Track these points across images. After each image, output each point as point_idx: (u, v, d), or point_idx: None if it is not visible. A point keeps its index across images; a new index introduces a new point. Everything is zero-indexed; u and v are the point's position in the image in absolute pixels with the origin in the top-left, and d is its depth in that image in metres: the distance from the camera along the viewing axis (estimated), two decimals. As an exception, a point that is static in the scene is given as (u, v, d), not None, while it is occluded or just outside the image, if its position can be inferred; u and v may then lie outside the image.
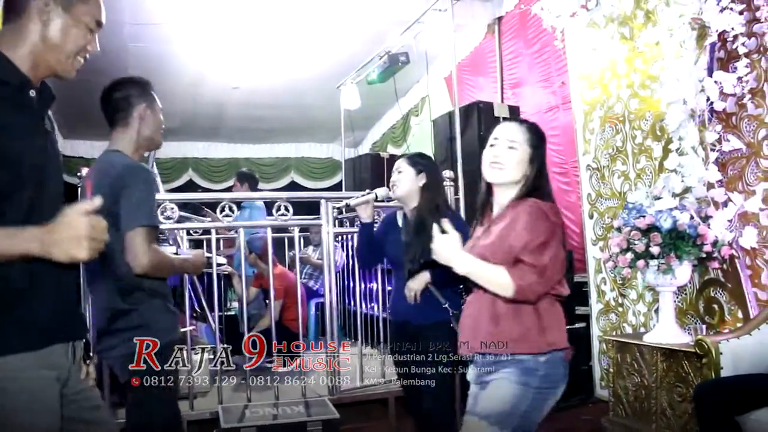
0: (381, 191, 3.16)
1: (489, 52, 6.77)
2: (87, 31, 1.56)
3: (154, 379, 2.24)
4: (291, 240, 6.12)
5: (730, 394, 2.66)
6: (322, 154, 10.55)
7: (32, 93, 1.50)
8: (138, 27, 5.89)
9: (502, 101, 6.55)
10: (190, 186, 9.87)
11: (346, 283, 6.14)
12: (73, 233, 1.30)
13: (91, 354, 1.72)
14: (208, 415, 3.73)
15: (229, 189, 7.66)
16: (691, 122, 3.38)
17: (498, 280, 1.90)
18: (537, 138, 2.09)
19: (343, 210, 3.91)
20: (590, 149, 4.26)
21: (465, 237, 2.72)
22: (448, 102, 7.17)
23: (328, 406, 3.72)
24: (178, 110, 8.26)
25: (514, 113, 4.64)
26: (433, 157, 4.02)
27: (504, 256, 1.93)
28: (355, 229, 5.11)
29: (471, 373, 2.13)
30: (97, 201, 1.36)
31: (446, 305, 2.80)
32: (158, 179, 4.92)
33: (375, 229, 3.28)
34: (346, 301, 6.22)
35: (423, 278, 2.82)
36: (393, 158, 6.99)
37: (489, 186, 2.14)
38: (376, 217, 3.43)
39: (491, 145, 2.09)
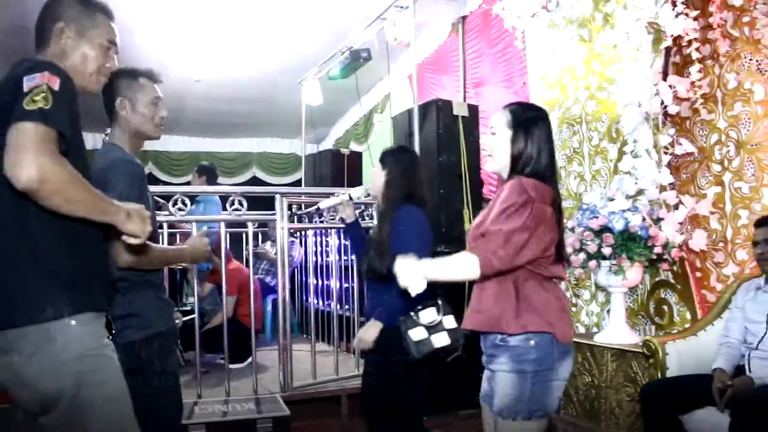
0: (356, 191, 3.09)
1: (452, 50, 6.76)
2: (103, 51, 1.80)
3: (153, 368, 2.23)
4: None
5: (674, 393, 2.70)
6: (284, 149, 10.45)
7: None
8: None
9: (465, 100, 6.56)
10: (150, 179, 9.68)
11: (303, 279, 6.10)
12: (144, 214, 1.63)
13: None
14: (157, 411, 3.62)
15: (189, 183, 7.53)
16: (645, 125, 3.43)
17: (464, 263, 1.91)
18: (519, 117, 2.08)
19: (318, 210, 3.89)
20: (548, 150, 4.27)
21: (405, 237, 2.68)
22: (411, 100, 7.17)
23: (279, 402, 3.69)
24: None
25: (473, 112, 4.63)
26: (414, 150, 3.92)
27: (486, 233, 1.96)
28: (313, 225, 5.10)
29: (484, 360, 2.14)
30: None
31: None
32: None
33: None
34: (304, 297, 6.18)
35: (374, 329, 2.71)
36: (353, 155, 6.99)
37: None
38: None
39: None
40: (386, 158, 2.90)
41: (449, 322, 2.61)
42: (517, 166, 2.04)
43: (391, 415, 2.80)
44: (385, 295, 2.74)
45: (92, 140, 8.39)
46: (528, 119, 2.09)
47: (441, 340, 2.56)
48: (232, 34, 6.41)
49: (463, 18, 6.43)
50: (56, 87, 1.51)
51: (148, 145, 9.77)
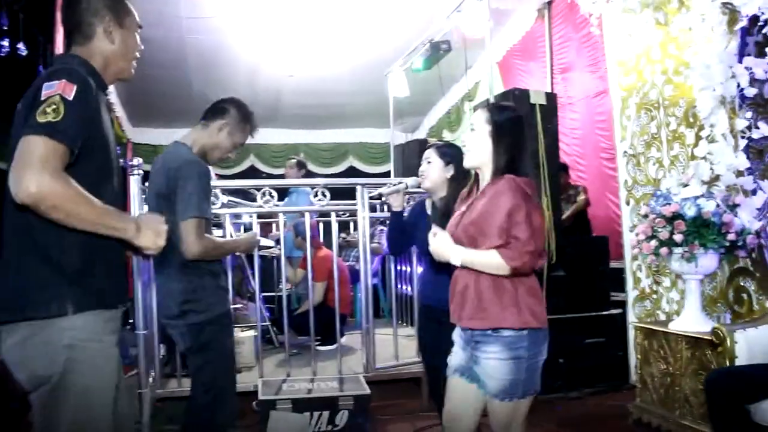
0: (411, 180, 3.20)
1: (539, 37, 6.73)
2: (136, 36, 1.91)
3: (210, 348, 2.56)
4: (343, 224, 6.34)
5: (741, 382, 2.66)
6: (379, 139, 10.67)
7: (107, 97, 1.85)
8: (194, 20, 6.17)
9: (552, 87, 6.52)
10: (252, 171, 10.26)
11: (395, 265, 6.30)
12: (161, 228, 1.70)
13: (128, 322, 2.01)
14: (251, 387, 3.94)
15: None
16: (721, 109, 3.35)
17: (492, 263, 2.10)
18: (498, 116, 2.23)
19: (380, 196, 4.04)
20: (627, 136, 4.24)
21: None
22: (501, 86, 7.20)
23: (361, 382, 3.90)
24: (238, 97, 8.57)
25: (550, 100, 4.61)
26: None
27: (490, 231, 2.11)
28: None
29: (457, 332, 2.34)
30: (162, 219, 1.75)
31: None
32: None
33: (405, 216, 3.36)
34: (395, 283, 6.38)
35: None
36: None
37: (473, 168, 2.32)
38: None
39: None
40: (448, 152, 2.99)
41: None
42: (498, 164, 2.18)
43: None
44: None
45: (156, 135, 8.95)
46: (505, 118, 2.24)
47: None
48: (321, 31, 6.69)
49: (549, 3, 6.39)
50: (70, 96, 1.55)
51: (250, 138, 10.37)
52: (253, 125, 2.75)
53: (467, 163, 2.30)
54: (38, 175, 1.45)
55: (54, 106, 1.52)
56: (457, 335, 2.35)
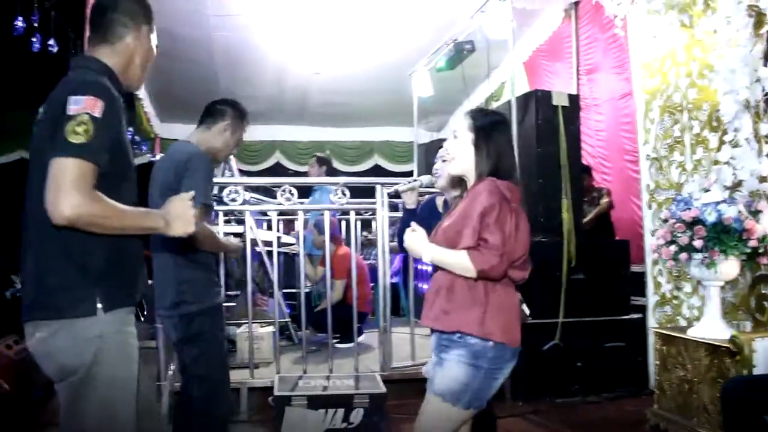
0: (426, 178, 3.23)
1: (566, 37, 6.68)
2: (153, 45, 1.95)
3: (202, 339, 2.62)
4: (366, 222, 6.36)
5: (759, 392, 2.62)
6: (405, 137, 10.65)
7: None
8: (221, 18, 6.23)
9: (578, 87, 6.47)
10: (278, 168, 10.32)
11: (416, 264, 6.30)
12: (187, 214, 1.76)
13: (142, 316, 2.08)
14: (268, 383, 3.98)
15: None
16: (745, 113, 3.30)
17: (460, 264, 2.05)
18: (480, 121, 2.19)
19: (397, 193, 4.04)
20: (650, 139, 4.19)
21: None
22: (527, 87, 7.15)
23: (377, 380, 3.91)
24: (264, 95, 8.64)
25: (573, 102, 4.59)
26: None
27: (465, 232, 2.05)
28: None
29: (431, 338, 2.28)
30: (192, 193, 1.82)
31: None
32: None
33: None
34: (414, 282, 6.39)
35: None
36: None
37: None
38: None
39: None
40: None
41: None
42: (481, 169, 2.14)
43: None
44: None
45: (185, 130, 8.96)
46: (488, 123, 2.20)
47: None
48: (347, 30, 6.69)
49: (576, 4, 6.33)
50: (98, 113, 1.60)
51: (276, 136, 10.40)
52: (248, 121, 2.84)
53: (451, 171, 2.27)
54: (72, 198, 1.53)
55: (84, 127, 1.57)
56: (431, 341, 2.29)
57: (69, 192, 1.53)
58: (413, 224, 2.24)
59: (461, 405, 2.07)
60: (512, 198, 2.06)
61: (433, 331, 2.24)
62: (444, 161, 2.28)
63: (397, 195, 3.61)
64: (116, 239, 1.68)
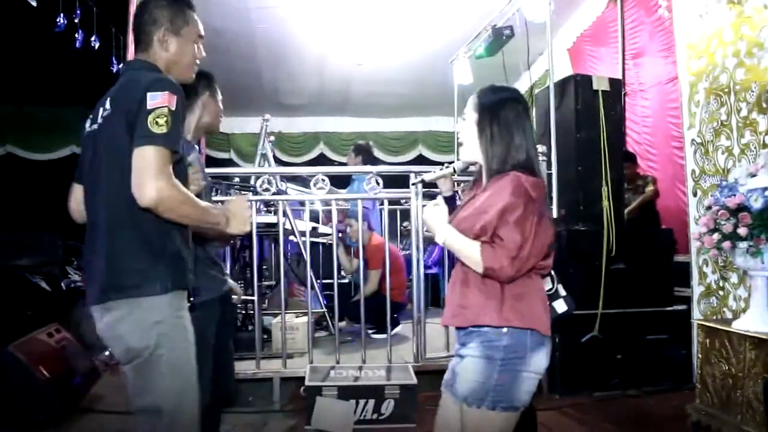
0: (459, 164, 3.17)
1: (611, 21, 6.46)
2: (195, 45, 2.07)
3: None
4: (405, 212, 6.31)
5: (804, 387, 2.48)
6: (449, 127, 10.53)
7: None
8: (262, 10, 6.25)
9: (623, 73, 6.26)
10: (322, 158, 10.34)
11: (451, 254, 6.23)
12: (245, 215, 1.99)
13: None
14: (301, 373, 3.98)
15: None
16: (797, 93, 3.11)
17: (470, 255, 1.88)
18: (484, 102, 1.99)
19: (424, 183, 3.98)
20: (695, 123, 4.01)
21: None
22: (571, 72, 6.96)
23: (409, 371, 3.88)
24: (306, 87, 8.67)
25: (614, 86, 4.42)
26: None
27: (481, 229, 1.88)
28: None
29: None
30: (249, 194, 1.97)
31: None
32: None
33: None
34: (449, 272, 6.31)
35: None
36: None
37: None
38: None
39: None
40: None
41: (562, 289, 2.68)
42: (490, 155, 1.96)
43: None
44: None
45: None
46: (494, 101, 1.98)
47: (560, 306, 2.65)
48: (387, 20, 6.63)
49: (622, -14, 6.12)
50: (174, 106, 1.78)
51: (320, 127, 10.42)
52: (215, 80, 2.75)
53: (462, 157, 2.10)
54: (158, 182, 1.71)
55: (165, 118, 1.76)
56: (456, 349, 2.12)
57: (155, 176, 1.71)
58: (438, 198, 2.14)
59: (487, 405, 1.87)
60: (537, 197, 1.87)
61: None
62: (460, 143, 2.08)
63: (426, 185, 3.55)
64: (179, 226, 1.86)
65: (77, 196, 2.07)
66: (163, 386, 1.83)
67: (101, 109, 1.91)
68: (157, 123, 1.74)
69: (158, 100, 1.76)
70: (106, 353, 4.88)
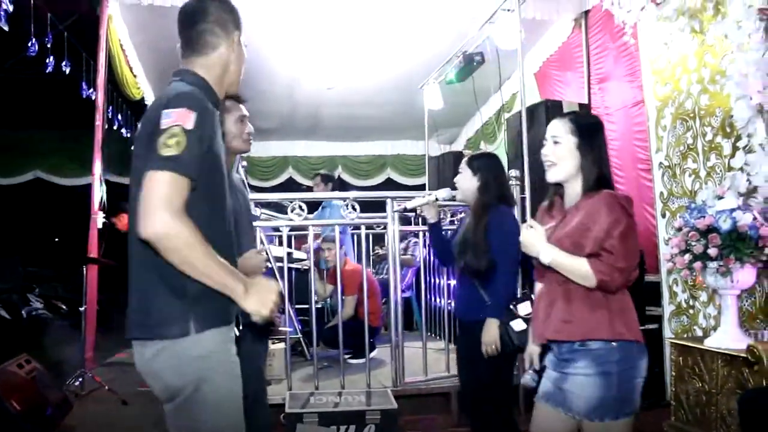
0: (442, 192, 3.21)
1: (576, 47, 6.62)
2: (245, 50, 1.93)
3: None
4: (378, 236, 6.33)
5: (778, 403, 2.56)
6: (417, 151, 10.64)
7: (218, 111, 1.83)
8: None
9: (589, 97, 6.41)
10: (290, 183, 10.33)
11: (428, 278, 6.26)
12: (268, 297, 1.65)
13: None
14: (280, 400, 3.93)
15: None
16: (759, 118, 3.25)
17: (580, 271, 2.00)
18: (582, 126, 2.13)
19: (406, 210, 4.03)
20: (662, 146, 4.15)
21: (508, 236, 2.86)
22: (538, 97, 7.11)
23: (389, 396, 3.87)
24: (277, 110, 8.68)
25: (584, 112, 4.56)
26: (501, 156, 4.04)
27: (585, 246, 2.01)
28: (422, 227, 5.24)
29: (549, 358, 2.21)
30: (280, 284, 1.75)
31: (489, 303, 2.89)
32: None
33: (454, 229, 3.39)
34: (428, 296, 6.34)
35: (494, 328, 2.83)
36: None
37: (556, 183, 2.22)
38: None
39: (543, 146, 2.19)
40: (477, 164, 3.05)
41: (525, 308, 2.80)
42: (588, 176, 2.09)
43: (492, 404, 2.92)
44: (478, 292, 2.90)
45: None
46: (591, 126, 2.15)
47: (518, 325, 2.78)
48: (358, 45, 6.71)
49: (586, 13, 6.29)
50: (190, 125, 1.57)
51: (289, 151, 10.42)
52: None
53: (552, 178, 2.19)
54: (163, 214, 1.51)
55: (176, 139, 1.55)
56: (548, 359, 2.23)
57: (157, 208, 1.51)
58: (530, 220, 2.20)
59: (611, 416, 2.00)
60: (631, 211, 2.03)
61: (548, 346, 2.20)
62: (546, 166, 2.19)
63: (404, 210, 3.61)
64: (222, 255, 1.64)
65: None
66: (206, 428, 1.67)
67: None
68: (166, 144, 1.54)
69: (171, 119, 1.57)
70: (77, 383, 4.78)
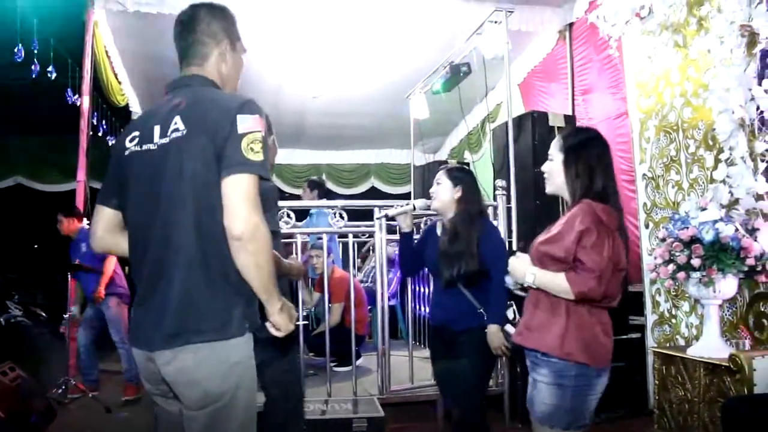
0: (419, 202, 3.23)
1: (560, 58, 6.71)
2: (242, 59, 1.96)
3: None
4: (361, 245, 6.35)
5: (759, 411, 2.61)
6: (401, 159, 10.69)
7: None
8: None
9: (573, 108, 6.50)
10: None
11: (414, 287, 6.28)
12: (294, 316, 1.74)
13: None
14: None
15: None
16: (740, 132, 3.32)
17: (560, 286, 2.06)
18: (568, 144, 2.22)
19: (387, 218, 4.05)
20: (646, 158, 4.21)
21: (499, 246, 2.92)
22: (522, 107, 7.19)
23: (375, 404, 3.89)
24: (261, 118, 8.67)
25: (569, 122, 4.61)
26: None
27: (555, 253, 2.08)
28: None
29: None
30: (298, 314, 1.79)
31: (480, 310, 2.91)
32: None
33: (418, 237, 3.40)
34: (414, 304, 6.36)
35: (499, 333, 2.86)
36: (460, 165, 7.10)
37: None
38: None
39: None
40: (458, 175, 3.09)
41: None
42: (574, 188, 2.16)
43: (480, 412, 2.95)
44: (468, 301, 2.93)
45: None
46: (577, 143, 2.22)
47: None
48: (344, 54, 6.73)
49: (570, 25, 6.38)
50: (264, 132, 1.66)
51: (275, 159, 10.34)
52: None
53: (547, 190, 2.31)
54: (253, 216, 1.58)
55: (260, 144, 1.63)
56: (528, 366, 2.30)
57: (253, 208, 1.59)
58: (518, 253, 2.29)
59: (561, 426, 2.09)
60: (608, 221, 2.06)
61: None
62: (546, 179, 2.30)
63: (390, 218, 3.64)
64: None
65: (108, 221, 1.87)
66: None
67: (158, 128, 1.72)
68: (252, 149, 1.61)
69: (251, 124, 1.62)
70: (59, 391, 4.74)
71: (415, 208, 3.19)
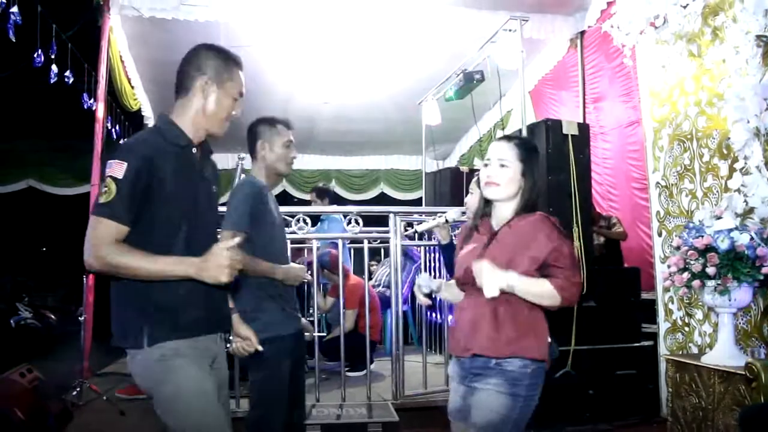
0: (451, 214, 3.22)
1: (572, 66, 6.76)
2: (234, 101, 2.04)
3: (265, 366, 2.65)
4: (374, 250, 6.36)
5: (777, 419, 2.62)
6: (410, 165, 10.75)
7: (194, 150, 2.01)
8: (233, 49, 6.28)
9: (584, 116, 6.53)
10: (285, 196, 10.35)
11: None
12: (220, 262, 1.80)
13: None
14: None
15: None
16: (755, 141, 3.34)
17: (546, 292, 2.08)
18: (527, 153, 2.24)
19: (414, 235, 4.07)
20: (659, 167, 4.23)
21: None
22: (533, 116, 7.22)
23: (390, 409, 3.92)
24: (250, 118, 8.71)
25: (583, 130, 4.63)
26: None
27: (520, 265, 2.09)
28: (430, 242, 5.29)
29: (453, 369, 2.30)
30: (237, 239, 1.92)
31: None
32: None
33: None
34: (425, 310, 6.37)
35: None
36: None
37: (486, 201, 2.30)
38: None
39: (485, 165, 2.26)
40: None
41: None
42: (528, 198, 2.21)
43: None
44: None
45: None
46: (534, 154, 2.28)
47: None
48: (356, 60, 6.80)
49: (582, 33, 6.42)
50: (121, 174, 1.78)
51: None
52: (283, 123, 2.89)
53: (492, 196, 2.24)
54: (93, 249, 1.77)
55: (106, 189, 1.78)
56: (452, 371, 2.31)
57: (90, 247, 1.77)
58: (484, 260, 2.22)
59: None
60: (564, 232, 2.17)
61: (458, 359, 2.26)
62: (486, 185, 2.23)
63: (415, 233, 3.65)
64: (171, 283, 1.85)
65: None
66: (173, 425, 1.91)
67: None
68: (101, 192, 1.79)
69: (108, 169, 1.80)
70: (74, 393, 4.76)
71: (447, 221, 3.19)
